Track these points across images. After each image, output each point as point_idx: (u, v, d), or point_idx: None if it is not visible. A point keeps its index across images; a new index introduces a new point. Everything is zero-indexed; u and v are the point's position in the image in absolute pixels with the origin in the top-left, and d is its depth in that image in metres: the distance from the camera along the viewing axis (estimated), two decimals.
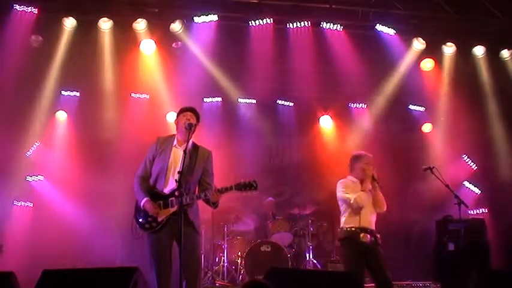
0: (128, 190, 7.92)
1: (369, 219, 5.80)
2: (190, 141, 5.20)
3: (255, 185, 5.07)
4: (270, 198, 9.08)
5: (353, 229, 5.75)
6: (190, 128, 5.10)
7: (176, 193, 5.04)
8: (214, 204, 5.18)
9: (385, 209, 5.89)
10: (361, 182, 5.85)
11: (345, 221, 5.85)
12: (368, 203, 5.82)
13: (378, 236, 5.83)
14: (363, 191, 5.78)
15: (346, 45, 9.05)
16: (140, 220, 5.17)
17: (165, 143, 5.35)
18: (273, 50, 8.97)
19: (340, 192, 5.89)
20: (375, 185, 5.84)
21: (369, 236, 5.72)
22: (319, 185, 9.03)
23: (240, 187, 5.06)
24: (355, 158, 5.99)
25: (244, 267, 8.00)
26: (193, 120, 5.24)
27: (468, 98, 9.34)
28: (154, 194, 5.17)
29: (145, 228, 5.15)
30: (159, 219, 5.08)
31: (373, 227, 5.84)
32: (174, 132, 5.43)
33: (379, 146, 8.82)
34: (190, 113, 5.31)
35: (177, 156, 5.21)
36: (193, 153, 5.26)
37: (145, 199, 5.14)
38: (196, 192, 5.23)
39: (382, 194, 5.86)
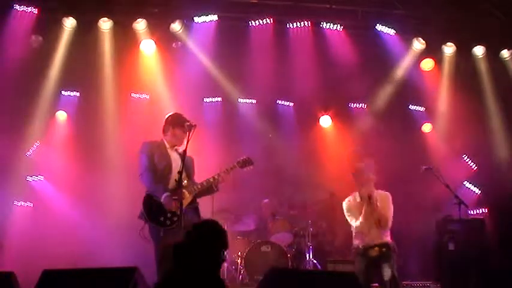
0: (128, 190, 7.96)
1: (375, 236, 5.93)
2: (175, 148, 5.63)
3: (250, 160, 5.71)
4: (266, 200, 9.07)
5: (361, 247, 5.95)
6: (190, 129, 5.30)
7: (184, 183, 5.34)
8: (217, 188, 5.57)
9: (388, 225, 6.01)
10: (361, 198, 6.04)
11: (354, 237, 6.08)
12: (373, 219, 5.94)
13: (391, 245, 5.93)
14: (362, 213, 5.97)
15: (346, 45, 9.06)
16: (161, 219, 5.27)
17: (159, 147, 5.59)
18: (272, 50, 8.98)
19: (345, 215, 6.14)
20: (372, 205, 5.93)
21: (377, 249, 5.87)
22: (319, 185, 9.02)
23: (241, 164, 5.66)
24: (352, 173, 6.18)
25: (244, 267, 7.99)
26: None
27: (468, 98, 9.34)
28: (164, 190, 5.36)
29: (166, 226, 5.25)
30: (178, 212, 5.18)
31: (383, 240, 5.94)
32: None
33: (379, 146, 8.82)
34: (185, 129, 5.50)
35: (175, 158, 5.53)
36: (183, 156, 5.55)
37: (166, 194, 5.30)
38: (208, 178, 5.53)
39: (382, 209, 5.99)
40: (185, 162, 5.45)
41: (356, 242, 6.05)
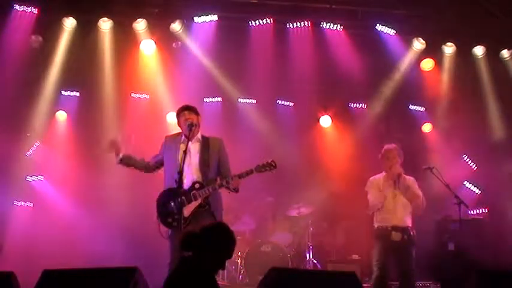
0: (128, 190, 7.96)
1: (400, 217, 5.94)
2: (196, 137, 5.47)
3: (274, 164, 5.36)
4: (270, 199, 9.07)
5: (384, 227, 5.93)
6: (191, 128, 5.27)
7: (196, 185, 5.28)
8: (235, 190, 5.37)
9: (424, 204, 6.04)
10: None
11: (376, 219, 6.05)
12: (400, 200, 5.95)
13: (412, 233, 5.97)
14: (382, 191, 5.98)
15: (346, 45, 9.06)
16: (169, 220, 5.24)
17: (173, 141, 5.55)
18: (273, 50, 8.98)
19: (368, 189, 6.12)
20: (400, 185, 5.97)
21: (400, 234, 5.86)
22: (319, 185, 9.01)
23: (260, 169, 5.34)
24: (380, 154, 6.19)
25: (244, 267, 8.00)
26: (192, 118, 5.44)
27: (468, 98, 9.34)
28: (174, 192, 5.22)
29: (173, 227, 5.22)
30: (186, 215, 5.16)
31: (407, 224, 5.97)
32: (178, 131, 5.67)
33: (379, 146, 8.80)
34: (187, 112, 5.51)
35: (189, 151, 5.34)
36: (205, 146, 5.48)
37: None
38: (218, 181, 5.35)
39: (416, 190, 6.02)
40: (204, 155, 5.40)
41: (378, 222, 6.01)
